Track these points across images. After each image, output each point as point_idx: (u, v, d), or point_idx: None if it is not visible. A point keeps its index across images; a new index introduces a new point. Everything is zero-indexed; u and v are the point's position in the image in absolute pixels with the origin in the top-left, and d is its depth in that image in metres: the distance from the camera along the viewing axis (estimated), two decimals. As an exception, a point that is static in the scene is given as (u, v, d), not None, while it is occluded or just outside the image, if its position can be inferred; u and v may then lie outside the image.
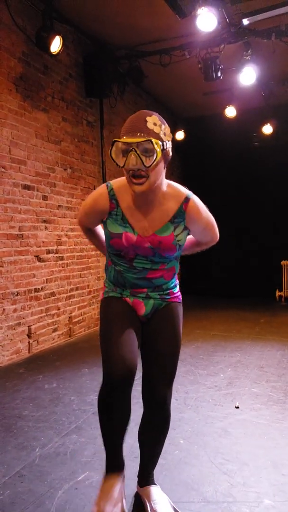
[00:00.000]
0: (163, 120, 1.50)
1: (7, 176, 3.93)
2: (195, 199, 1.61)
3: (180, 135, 7.54)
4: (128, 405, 1.60)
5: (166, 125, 1.50)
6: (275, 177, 7.45)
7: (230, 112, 6.50)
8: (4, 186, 3.90)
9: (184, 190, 1.62)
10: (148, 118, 1.44)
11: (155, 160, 1.42)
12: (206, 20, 3.56)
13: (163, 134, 1.46)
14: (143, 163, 1.41)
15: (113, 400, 1.55)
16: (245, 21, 4.11)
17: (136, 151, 1.40)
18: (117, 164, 1.47)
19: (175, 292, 1.73)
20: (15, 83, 4.02)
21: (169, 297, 1.70)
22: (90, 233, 1.84)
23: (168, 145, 1.50)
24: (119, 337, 1.55)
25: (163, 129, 1.47)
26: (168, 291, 1.69)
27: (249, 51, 4.89)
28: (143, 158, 1.41)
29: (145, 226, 1.56)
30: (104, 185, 1.65)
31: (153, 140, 1.41)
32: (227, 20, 4.19)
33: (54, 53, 4.21)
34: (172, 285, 1.71)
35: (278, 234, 7.48)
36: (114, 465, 1.70)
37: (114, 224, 1.58)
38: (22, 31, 4.05)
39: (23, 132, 4.13)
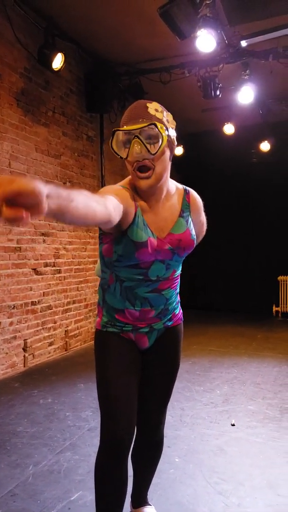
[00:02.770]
0: (164, 108, 1.39)
1: (7, 190, 3.95)
2: (191, 189, 1.57)
3: (178, 151, 7.61)
4: (126, 471, 1.51)
5: (168, 112, 1.39)
6: (273, 193, 7.52)
7: (229, 129, 6.59)
8: (4, 199, 3.91)
9: (179, 184, 1.56)
10: (148, 105, 1.34)
11: (161, 145, 1.29)
12: (205, 42, 3.64)
13: (166, 121, 1.35)
14: (148, 151, 1.28)
15: (115, 464, 1.47)
16: (244, 43, 4.21)
17: (139, 138, 1.28)
18: (119, 156, 1.34)
19: (177, 313, 1.62)
20: (16, 98, 4.08)
21: (171, 322, 1.58)
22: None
23: (172, 133, 1.37)
24: (122, 403, 1.45)
25: (165, 115, 1.36)
26: (170, 314, 1.57)
27: (247, 71, 4.98)
28: (148, 146, 1.28)
29: (160, 227, 1.43)
30: (115, 185, 1.42)
31: (157, 123, 1.28)
32: (226, 41, 4.28)
33: (55, 70, 4.29)
34: (175, 303, 1.59)
35: (275, 250, 7.52)
36: None
37: (137, 230, 1.37)
38: (25, 47, 4.12)
39: (23, 146, 4.17)
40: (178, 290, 1.61)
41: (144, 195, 1.42)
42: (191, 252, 1.55)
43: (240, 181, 7.76)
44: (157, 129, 1.28)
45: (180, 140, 7.95)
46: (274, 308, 7.39)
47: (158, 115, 1.34)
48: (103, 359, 1.51)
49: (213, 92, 5.02)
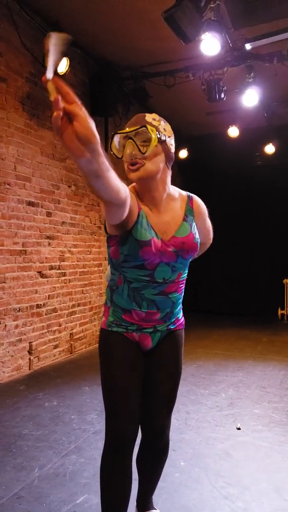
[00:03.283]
0: (163, 119, 1.51)
1: (12, 193, 3.98)
2: (195, 196, 1.65)
3: (183, 154, 7.63)
4: (131, 469, 1.56)
5: (167, 123, 1.51)
6: (277, 196, 7.50)
7: (233, 132, 6.59)
8: (9, 203, 3.94)
9: (183, 191, 1.64)
10: (147, 114, 1.48)
11: (150, 146, 1.41)
12: (210, 45, 3.65)
13: (162, 129, 1.46)
14: (139, 150, 1.41)
15: (120, 463, 1.52)
16: (248, 46, 4.21)
17: (132, 139, 1.41)
18: (116, 156, 1.47)
19: (179, 318, 1.66)
20: (22, 102, 4.11)
21: (174, 326, 1.62)
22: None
23: (169, 140, 1.49)
24: (127, 402, 1.50)
25: (163, 124, 1.48)
26: (174, 318, 1.61)
27: (251, 74, 4.99)
28: (140, 146, 1.41)
29: (163, 229, 1.50)
30: None
31: (148, 126, 1.41)
32: (230, 44, 4.29)
33: (61, 74, 4.31)
34: (179, 307, 1.64)
35: (280, 252, 7.49)
36: None
37: (141, 229, 1.45)
38: (30, 52, 4.16)
39: (28, 150, 4.20)
40: (182, 294, 1.63)
41: (145, 199, 1.50)
42: (195, 255, 1.60)
43: (244, 184, 7.75)
44: (148, 133, 1.40)
45: (185, 143, 8.02)
46: (280, 311, 7.35)
47: (155, 123, 1.45)
48: (107, 359, 1.55)
49: (217, 95, 5.03)
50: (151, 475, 1.78)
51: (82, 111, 0.90)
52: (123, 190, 1.22)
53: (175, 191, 1.59)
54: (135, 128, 1.41)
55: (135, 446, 1.55)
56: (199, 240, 1.56)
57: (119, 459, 1.51)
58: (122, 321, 1.54)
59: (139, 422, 1.57)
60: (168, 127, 1.50)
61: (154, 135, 1.41)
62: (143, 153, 1.41)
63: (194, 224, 1.57)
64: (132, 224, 1.43)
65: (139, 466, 1.77)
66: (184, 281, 1.61)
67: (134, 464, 1.61)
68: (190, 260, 1.57)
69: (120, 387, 1.50)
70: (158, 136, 1.43)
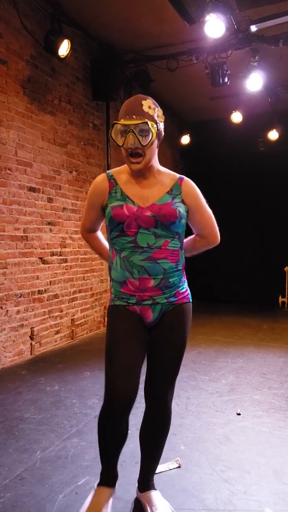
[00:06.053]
0: (157, 103, 1.65)
1: (13, 178, 3.95)
2: (187, 178, 1.75)
3: (185, 139, 7.55)
4: (126, 428, 1.68)
5: (159, 108, 1.65)
6: (280, 183, 7.44)
7: (236, 117, 6.50)
8: (10, 188, 3.91)
9: (177, 174, 1.76)
10: (143, 102, 1.60)
11: (151, 139, 1.59)
12: (214, 27, 3.57)
13: (156, 116, 1.62)
14: (140, 142, 1.58)
15: (112, 423, 1.64)
16: (253, 28, 4.12)
17: (133, 132, 1.57)
18: (116, 144, 1.63)
19: (182, 291, 1.71)
20: (22, 86, 4.05)
21: (176, 299, 1.68)
22: (93, 239, 1.91)
23: (161, 126, 1.67)
24: (123, 361, 1.59)
25: (157, 111, 1.63)
26: (174, 291, 1.67)
27: (256, 57, 4.89)
28: (140, 138, 1.58)
29: (144, 197, 1.65)
30: (94, 183, 1.78)
31: (148, 122, 1.57)
32: (235, 26, 4.20)
33: (62, 57, 4.24)
34: (179, 281, 1.69)
35: (281, 240, 7.47)
36: (108, 478, 1.76)
37: (114, 200, 1.66)
38: (31, 34, 4.08)
39: (29, 135, 4.15)
40: (180, 267, 1.70)
41: (134, 173, 1.69)
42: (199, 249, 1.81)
43: (247, 171, 7.67)
44: (148, 126, 1.57)
45: (187, 128, 7.93)
46: (280, 299, 7.36)
47: (150, 111, 1.60)
48: (110, 329, 1.66)
49: (221, 79, 4.93)
50: (153, 447, 1.83)
51: None
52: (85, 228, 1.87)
53: (165, 170, 1.74)
54: (137, 122, 1.56)
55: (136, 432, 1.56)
56: (181, 210, 1.65)
57: (112, 418, 1.61)
58: (122, 294, 1.66)
59: (137, 385, 1.62)
60: (160, 112, 1.65)
61: (153, 130, 1.58)
62: (144, 146, 1.58)
63: (179, 199, 1.67)
64: (106, 200, 1.68)
65: (142, 438, 1.83)
66: (178, 252, 1.68)
67: (134, 434, 1.63)
68: (175, 229, 1.64)
69: (118, 352, 1.60)
70: (156, 128, 1.61)
